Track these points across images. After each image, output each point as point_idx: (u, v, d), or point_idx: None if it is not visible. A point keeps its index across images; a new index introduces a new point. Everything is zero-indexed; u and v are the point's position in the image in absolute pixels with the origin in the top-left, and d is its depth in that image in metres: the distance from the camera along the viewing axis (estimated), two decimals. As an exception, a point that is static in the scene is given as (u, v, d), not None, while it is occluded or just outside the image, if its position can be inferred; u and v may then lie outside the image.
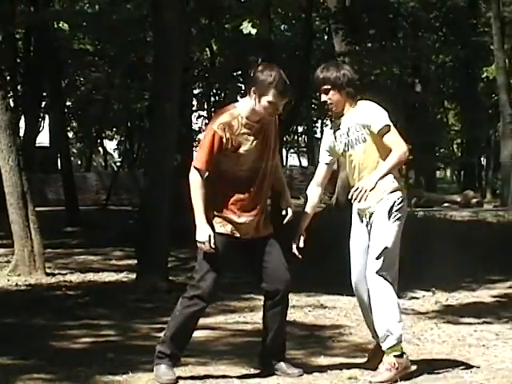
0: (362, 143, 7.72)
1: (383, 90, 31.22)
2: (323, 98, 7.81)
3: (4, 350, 8.39)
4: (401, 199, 7.63)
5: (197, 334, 8.81)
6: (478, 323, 10.27)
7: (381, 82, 32.32)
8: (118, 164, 52.99)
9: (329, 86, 7.75)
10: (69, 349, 8.98)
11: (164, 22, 14.45)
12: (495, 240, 21.60)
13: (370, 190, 7.31)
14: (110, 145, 57.27)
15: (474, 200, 41.61)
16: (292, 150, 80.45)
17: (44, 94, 34.42)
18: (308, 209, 7.98)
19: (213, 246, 7.24)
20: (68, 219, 24.92)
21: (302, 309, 11.14)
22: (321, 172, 8.13)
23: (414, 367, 6.91)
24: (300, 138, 76.81)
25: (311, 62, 22.03)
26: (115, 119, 52.21)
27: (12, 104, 24.37)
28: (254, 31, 15.71)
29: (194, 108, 40.03)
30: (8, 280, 14.12)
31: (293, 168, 51.46)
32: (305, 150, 76.04)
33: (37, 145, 37.88)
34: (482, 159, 59.44)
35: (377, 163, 7.65)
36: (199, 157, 7.34)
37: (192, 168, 7.35)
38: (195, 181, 7.31)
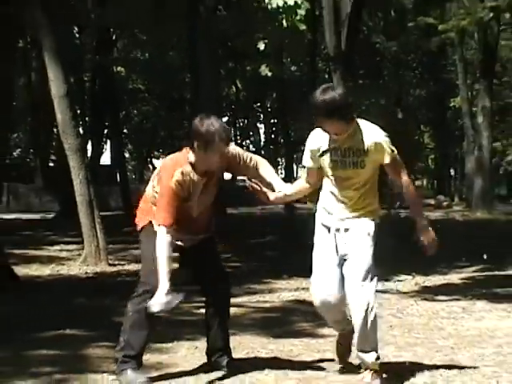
0: (359, 167, 6.03)
1: (373, 117, 31.19)
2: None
3: (76, 324, 8.40)
4: (378, 221, 6.20)
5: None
6: (449, 300, 10.23)
7: (370, 111, 32.24)
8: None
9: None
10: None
11: (199, 66, 14.46)
12: (462, 234, 21.59)
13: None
14: (157, 163, 57.20)
15: (445, 203, 41.67)
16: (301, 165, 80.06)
17: (106, 123, 34.50)
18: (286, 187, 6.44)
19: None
20: (125, 221, 24.91)
21: (309, 290, 11.10)
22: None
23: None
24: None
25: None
26: (161, 143, 52.41)
27: (81, 131, 24.44)
28: (270, 73, 15.75)
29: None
30: (79, 269, 14.15)
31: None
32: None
33: (101, 163, 37.95)
34: (451, 171, 59.30)
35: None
36: (163, 215, 5.98)
37: (160, 228, 5.96)
38: (164, 241, 5.90)
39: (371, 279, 5.96)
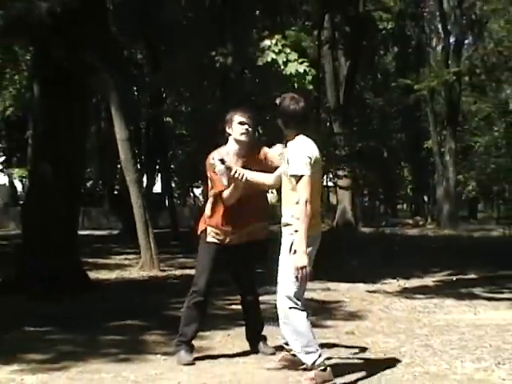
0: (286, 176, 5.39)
1: (365, 156, 31.23)
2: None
3: (135, 316, 8.43)
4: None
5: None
6: (424, 298, 10.20)
7: (363, 151, 32.30)
8: (202, 202, 53.23)
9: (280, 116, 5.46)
10: (176, 316, 8.99)
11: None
12: (433, 246, 21.52)
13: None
14: (197, 191, 57.27)
15: (420, 222, 41.55)
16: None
17: (157, 160, 34.62)
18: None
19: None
20: (172, 236, 24.95)
21: (315, 291, 11.10)
22: (278, 172, 5.65)
23: (337, 380, 5.29)
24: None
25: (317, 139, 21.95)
26: (199, 176, 52.53)
27: (139, 167, 24.54)
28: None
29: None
30: (138, 274, 14.15)
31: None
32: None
33: (153, 191, 38.07)
34: (425, 197, 59.10)
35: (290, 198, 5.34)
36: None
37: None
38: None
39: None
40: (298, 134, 5.46)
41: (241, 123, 6.02)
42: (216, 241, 6.12)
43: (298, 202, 5.20)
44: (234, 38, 15.54)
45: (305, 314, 5.35)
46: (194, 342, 6.19)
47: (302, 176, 5.24)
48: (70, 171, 11.03)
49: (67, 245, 10.96)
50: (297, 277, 5.18)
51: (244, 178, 5.69)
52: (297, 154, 5.31)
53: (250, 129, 6.04)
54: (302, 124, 5.48)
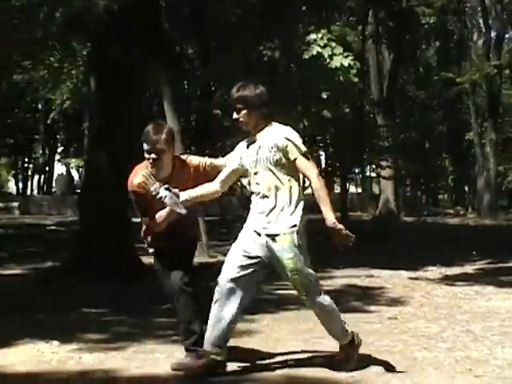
0: (272, 164, 4.86)
1: (406, 148, 31.01)
2: (235, 115, 4.97)
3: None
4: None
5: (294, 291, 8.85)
6: (465, 285, 10.11)
7: (405, 142, 32.05)
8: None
9: (241, 106, 4.89)
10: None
11: (276, 108, 14.47)
12: (474, 235, 21.30)
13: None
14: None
15: (461, 212, 41.08)
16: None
17: (206, 151, 34.88)
18: (198, 189, 5.13)
19: None
20: (221, 224, 25.08)
21: (359, 277, 11.07)
22: (225, 174, 5.18)
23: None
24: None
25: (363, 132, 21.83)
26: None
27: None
28: (330, 115, 15.74)
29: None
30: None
31: (353, 194, 50.65)
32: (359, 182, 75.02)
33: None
34: (466, 188, 58.42)
35: (283, 185, 4.86)
36: None
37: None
38: None
39: None
40: (270, 121, 5.00)
41: (147, 152, 5.06)
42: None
43: (306, 181, 4.93)
44: (280, 32, 15.52)
45: None
46: (242, 325, 6.20)
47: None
48: (123, 163, 11.16)
49: (121, 231, 11.08)
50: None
51: (191, 199, 5.06)
52: (291, 135, 4.89)
53: (155, 156, 5.02)
54: (268, 108, 4.98)
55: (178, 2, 21.09)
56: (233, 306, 4.98)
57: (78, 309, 7.83)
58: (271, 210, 4.89)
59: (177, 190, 4.97)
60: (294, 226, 4.83)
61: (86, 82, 23.74)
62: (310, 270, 4.93)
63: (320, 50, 13.78)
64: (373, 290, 9.75)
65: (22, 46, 18.39)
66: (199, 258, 14.43)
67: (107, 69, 11.00)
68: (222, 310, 4.98)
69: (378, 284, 10.32)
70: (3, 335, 6.34)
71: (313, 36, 14.04)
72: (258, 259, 4.94)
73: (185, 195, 5.01)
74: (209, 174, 5.29)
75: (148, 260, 13.21)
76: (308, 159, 4.87)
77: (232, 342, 5.99)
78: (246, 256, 4.96)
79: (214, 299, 5.02)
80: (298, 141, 4.88)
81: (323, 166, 25.95)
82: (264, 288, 9.36)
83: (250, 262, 4.95)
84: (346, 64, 13.68)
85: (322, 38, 13.93)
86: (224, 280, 4.98)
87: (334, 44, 13.99)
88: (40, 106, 43.96)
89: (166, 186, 4.94)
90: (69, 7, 12.42)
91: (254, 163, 4.96)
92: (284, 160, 4.85)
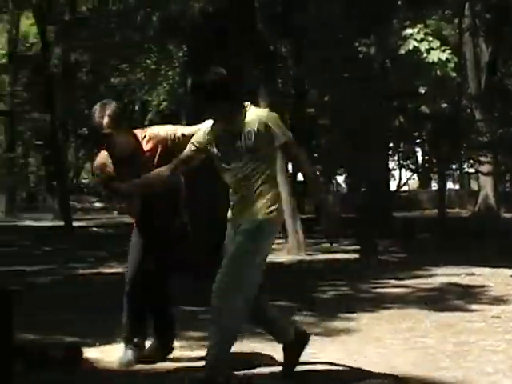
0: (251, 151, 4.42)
1: (505, 143, 30.22)
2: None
3: (284, 297, 8.34)
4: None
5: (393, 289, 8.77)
6: None
7: (504, 137, 31.22)
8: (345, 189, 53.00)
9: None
10: (324, 298, 9.02)
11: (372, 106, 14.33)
12: None
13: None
14: (340, 178, 56.94)
15: None
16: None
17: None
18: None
19: None
20: (317, 223, 25.00)
21: (459, 275, 10.86)
22: (181, 159, 4.70)
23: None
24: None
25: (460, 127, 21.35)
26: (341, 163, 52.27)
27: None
28: (427, 110, 15.27)
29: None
30: (285, 257, 14.34)
31: (451, 191, 49.36)
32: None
33: (297, 180, 38.39)
34: None
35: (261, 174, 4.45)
36: None
37: None
38: None
39: None
40: (244, 105, 4.68)
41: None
42: None
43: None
44: (376, 29, 15.38)
45: None
46: (339, 323, 6.18)
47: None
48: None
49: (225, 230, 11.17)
50: None
51: (131, 190, 4.78)
52: (275, 120, 4.55)
53: (105, 139, 4.86)
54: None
55: (271, 2, 21.17)
56: None
57: (177, 306, 7.93)
58: (246, 200, 4.53)
59: (119, 184, 4.70)
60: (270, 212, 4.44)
61: (182, 83, 24.11)
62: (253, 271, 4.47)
63: (416, 44, 13.59)
64: (474, 288, 9.56)
65: (118, 49, 18.83)
66: (296, 256, 14.49)
67: (203, 70, 11.14)
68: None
69: (479, 282, 10.11)
70: (106, 332, 6.46)
71: (409, 31, 13.86)
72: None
73: (126, 186, 4.68)
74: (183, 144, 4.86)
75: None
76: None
77: (329, 341, 5.97)
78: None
79: None
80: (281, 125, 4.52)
81: (420, 162, 25.53)
82: (361, 286, 9.31)
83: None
84: (443, 58, 13.44)
85: (418, 33, 13.74)
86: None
87: (430, 38, 13.77)
88: (137, 108, 44.91)
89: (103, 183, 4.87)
90: (165, 12, 12.64)
91: (230, 152, 4.48)
92: (265, 146, 4.44)
